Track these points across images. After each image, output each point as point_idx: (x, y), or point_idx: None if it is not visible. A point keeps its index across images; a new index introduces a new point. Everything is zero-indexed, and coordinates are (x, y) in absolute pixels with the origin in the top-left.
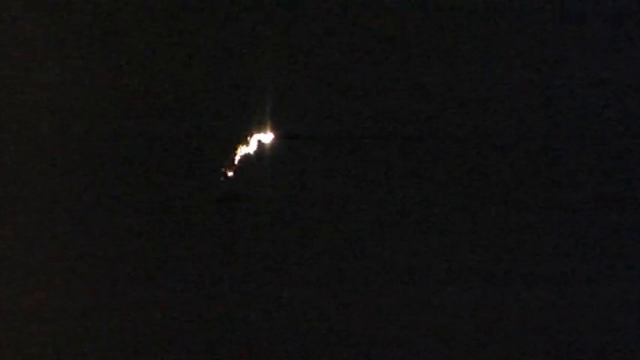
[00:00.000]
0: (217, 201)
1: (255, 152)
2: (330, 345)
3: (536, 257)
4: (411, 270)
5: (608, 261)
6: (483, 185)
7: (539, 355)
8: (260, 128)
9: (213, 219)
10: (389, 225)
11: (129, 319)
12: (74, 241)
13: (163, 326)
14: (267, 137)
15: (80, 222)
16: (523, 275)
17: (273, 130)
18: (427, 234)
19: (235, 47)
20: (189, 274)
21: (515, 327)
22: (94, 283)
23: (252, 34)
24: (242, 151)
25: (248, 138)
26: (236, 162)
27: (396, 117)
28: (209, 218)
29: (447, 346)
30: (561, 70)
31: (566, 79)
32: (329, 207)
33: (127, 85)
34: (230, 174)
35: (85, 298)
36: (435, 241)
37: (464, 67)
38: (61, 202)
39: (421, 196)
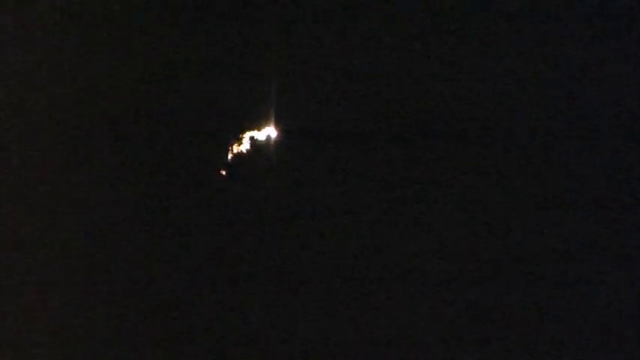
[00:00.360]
0: (216, 198)
1: (255, 149)
2: (330, 345)
3: (536, 257)
4: (415, 269)
5: (608, 261)
6: (488, 184)
7: (538, 355)
8: (261, 123)
9: (212, 217)
10: (392, 223)
11: (128, 319)
12: (70, 240)
13: (163, 326)
14: (268, 133)
15: (76, 221)
16: (523, 275)
17: (275, 125)
18: (431, 233)
19: (235, 41)
20: (189, 274)
21: (514, 327)
22: (92, 284)
23: (253, 27)
24: (241, 147)
25: (248, 134)
26: (236, 159)
27: (400, 114)
28: (207, 216)
29: (446, 346)
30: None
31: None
32: (330, 205)
33: (125, 82)
34: (223, 173)
35: (84, 298)
36: (439, 240)
37: (468, 64)
38: (58, 201)
39: (426, 193)
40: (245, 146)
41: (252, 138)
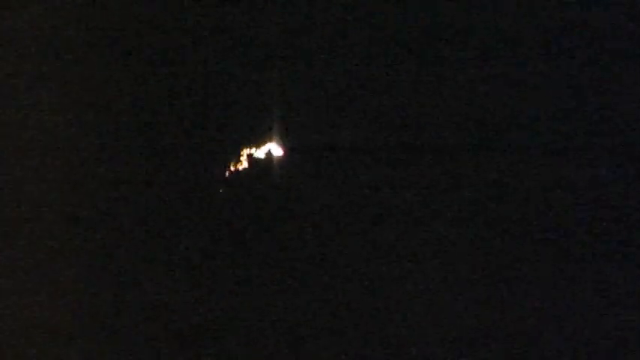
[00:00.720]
0: (218, 211)
1: (256, 164)
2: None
3: (537, 258)
4: (413, 282)
5: (608, 264)
6: (488, 195)
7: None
8: (263, 139)
9: (215, 226)
10: (390, 236)
11: (128, 320)
12: (75, 243)
13: (162, 327)
14: (271, 149)
15: (81, 223)
16: (522, 278)
17: (277, 141)
18: (429, 246)
19: (241, 57)
20: (188, 274)
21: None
22: (93, 285)
23: (258, 44)
24: (244, 162)
25: (250, 149)
26: (238, 174)
27: (400, 128)
28: (210, 224)
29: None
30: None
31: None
32: (328, 218)
33: (130, 92)
34: (223, 189)
35: (84, 300)
36: (439, 254)
37: (471, 80)
38: (65, 203)
39: (423, 206)
40: (247, 161)
41: (252, 154)
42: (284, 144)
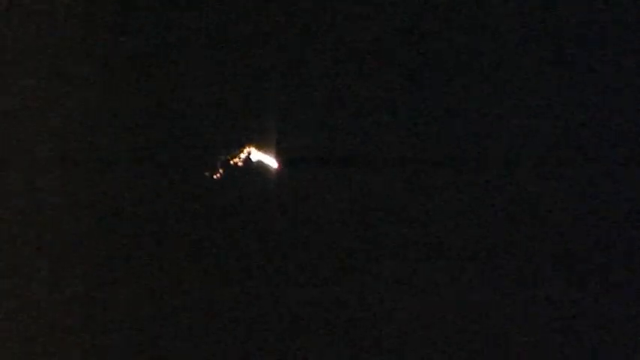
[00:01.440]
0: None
1: (248, 173)
2: None
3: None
4: (410, 299)
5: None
6: (490, 207)
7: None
8: (255, 148)
9: (205, 234)
10: (387, 254)
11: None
12: (69, 247)
13: (159, 329)
14: (264, 159)
15: (77, 227)
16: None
17: (270, 152)
18: (428, 263)
19: (235, 65)
20: (188, 273)
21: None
22: (92, 287)
23: (253, 53)
24: (235, 171)
25: (240, 158)
26: (227, 177)
27: (396, 140)
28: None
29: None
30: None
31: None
32: (324, 232)
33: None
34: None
35: (83, 302)
36: (437, 266)
37: (471, 89)
38: (60, 205)
39: (421, 221)
40: (238, 169)
41: (245, 161)
42: (272, 152)
